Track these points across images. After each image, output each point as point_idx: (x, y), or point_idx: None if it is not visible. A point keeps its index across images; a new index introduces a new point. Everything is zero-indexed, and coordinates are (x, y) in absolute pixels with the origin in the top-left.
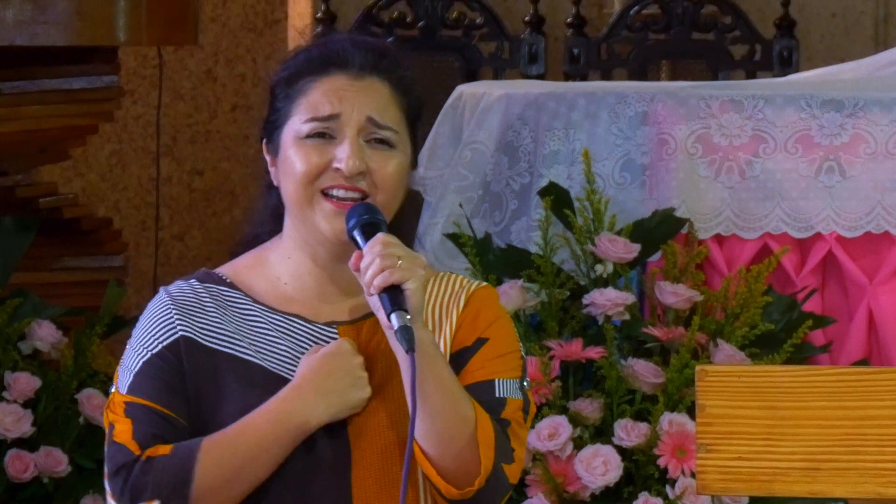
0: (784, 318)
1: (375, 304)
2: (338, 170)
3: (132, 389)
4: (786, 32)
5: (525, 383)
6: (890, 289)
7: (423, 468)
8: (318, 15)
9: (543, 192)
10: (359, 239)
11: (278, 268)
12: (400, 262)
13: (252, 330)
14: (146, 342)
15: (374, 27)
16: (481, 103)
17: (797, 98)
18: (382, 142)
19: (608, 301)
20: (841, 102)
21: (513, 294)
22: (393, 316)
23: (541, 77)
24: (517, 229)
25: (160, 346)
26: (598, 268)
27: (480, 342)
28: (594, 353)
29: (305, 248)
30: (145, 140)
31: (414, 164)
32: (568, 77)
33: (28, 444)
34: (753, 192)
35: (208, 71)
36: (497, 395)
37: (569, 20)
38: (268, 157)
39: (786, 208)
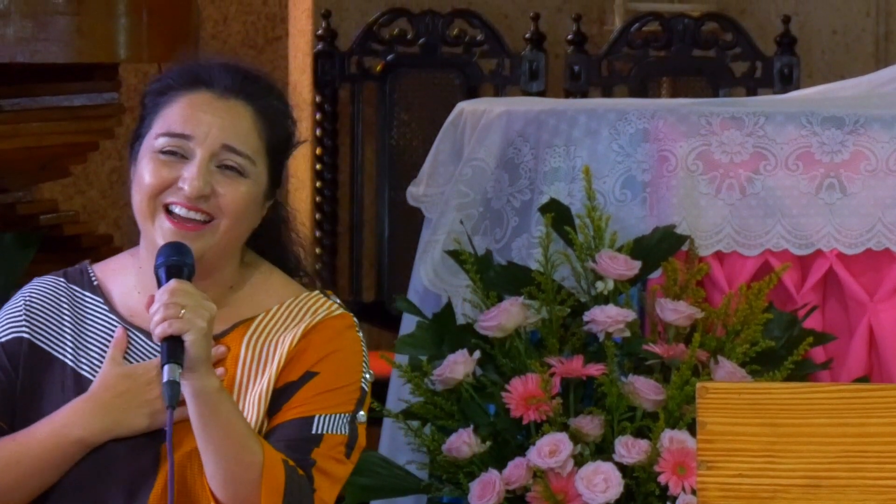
0: (785, 335)
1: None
2: (182, 189)
3: None
4: (786, 49)
5: (359, 416)
6: (890, 306)
7: None
8: (319, 32)
9: (544, 209)
10: (161, 280)
11: (134, 277)
12: (183, 311)
13: (96, 340)
14: None
15: (374, 44)
16: (482, 120)
17: (798, 115)
18: (233, 168)
19: (609, 318)
20: (842, 119)
21: (513, 311)
22: (165, 368)
23: (541, 94)
24: (518, 246)
25: None
26: (599, 285)
27: (308, 376)
28: (595, 370)
29: (151, 258)
30: None
31: (269, 196)
32: (568, 94)
33: None
34: (754, 209)
35: None
36: (314, 431)
37: (569, 37)
38: (129, 166)
39: (786, 225)
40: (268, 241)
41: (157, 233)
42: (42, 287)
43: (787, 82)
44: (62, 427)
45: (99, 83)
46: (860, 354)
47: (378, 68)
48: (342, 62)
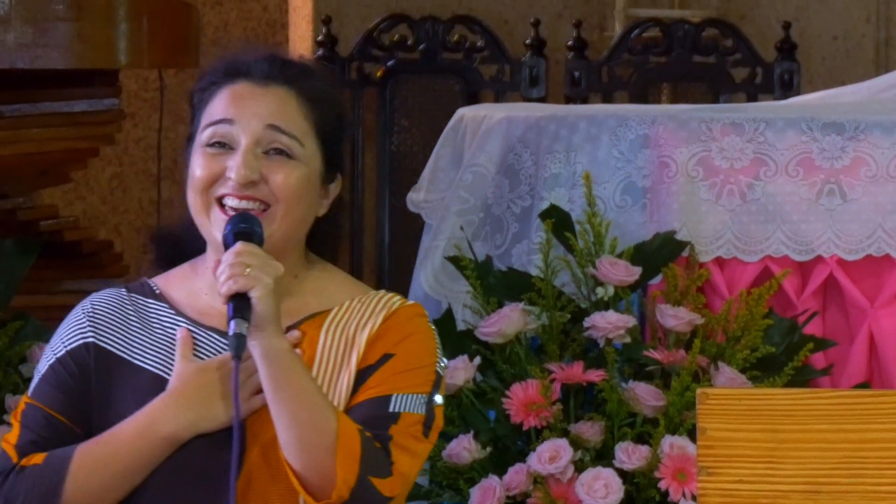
0: (785, 341)
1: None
2: (229, 178)
3: (34, 392)
4: (787, 55)
5: (436, 398)
6: (891, 312)
7: (290, 478)
8: (319, 38)
9: (544, 215)
10: (228, 245)
11: (202, 279)
12: (248, 269)
13: (165, 341)
14: (55, 346)
15: (374, 50)
16: (482, 126)
17: (798, 121)
18: (281, 152)
19: (609, 324)
20: (842, 125)
21: (514, 317)
22: (231, 322)
23: (542, 100)
24: (518, 252)
25: (65, 351)
26: (599, 291)
27: (385, 358)
28: (595, 376)
29: (214, 257)
30: (146, 163)
31: (329, 178)
32: (569, 100)
33: None
34: (754, 214)
35: None
36: (391, 409)
37: (570, 43)
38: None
39: (787, 231)
40: (327, 243)
41: (214, 227)
42: (103, 297)
43: (788, 88)
44: (150, 425)
45: (99, 89)
46: (860, 360)
47: (378, 74)
48: (342, 68)
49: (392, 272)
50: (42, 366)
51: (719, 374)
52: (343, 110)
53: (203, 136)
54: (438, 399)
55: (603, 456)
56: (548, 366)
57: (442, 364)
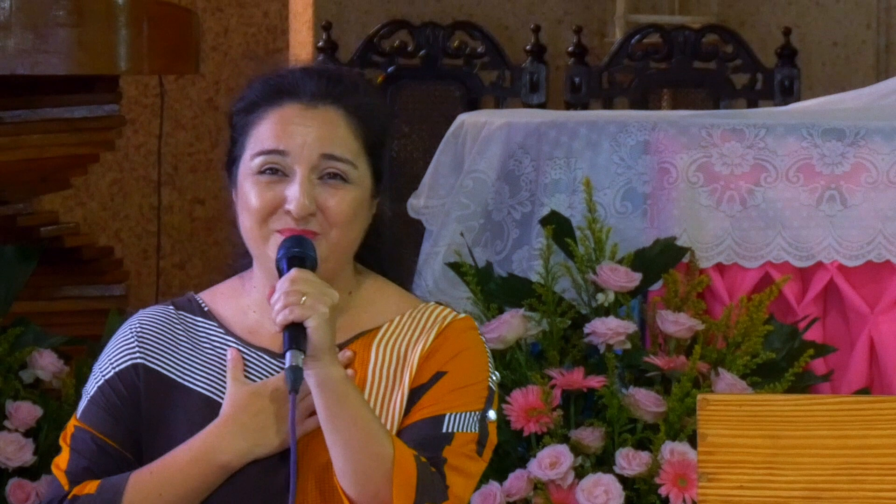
0: (785, 347)
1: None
2: (289, 211)
3: (83, 415)
4: (787, 61)
5: (489, 414)
6: (891, 318)
7: None
8: (320, 44)
9: (545, 221)
10: (282, 270)
11: (249, 297)
12: (304, 298)
13: (215, 362)
14: (103, 367)
15: (375, 56)
16: (482, 132)
17: (798, 127)
18: (336, 176)
19: (609, 330)
20: (842, 131)
21: (514, 323)
22: (288, 354)
23: (542, 106)
24: (518, 258)
25: (113, 372)
26: (600, 297)
27: (438, 376)
28: (595, 381)
29: (268, 282)
30: (146, 169)
31: (376, 193)
32: (569, 106)
33: (29, 472)
34: (755, 220)
35: (209, 100)
36: (444, 430)
37: (570, 49)
38: (230, 190)
39: (787, 237)
40: (371, 252)
41: (272, 252)
42: (150, 315)
43: (788, 94)
44: (206, 453)
45: (99, 95)
46: (861, 366)
47: (379, 80)
48: None
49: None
50: (90, 386)
51: (720, 380)
52: (388, 122)
53: (254, 163)
54: (492, 415)
55: (603, 462)
56: (548, 372)
57: (494, 378)
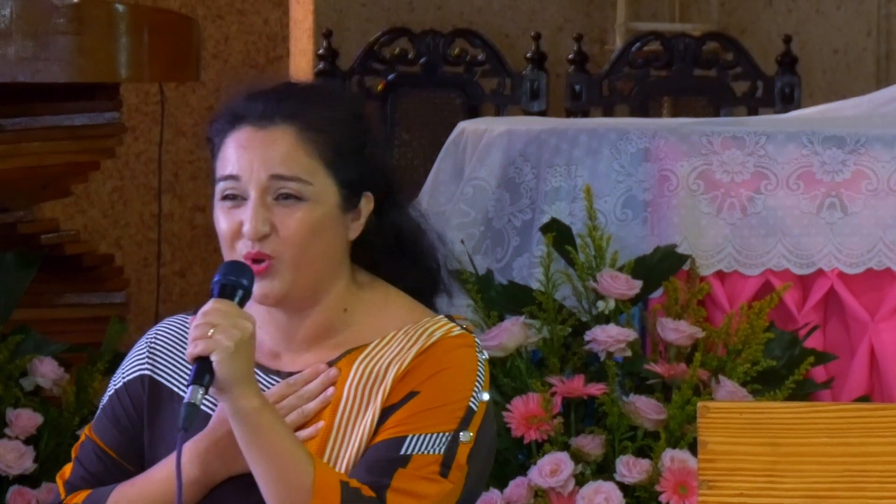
0: (786, 355)
1: None
2: (244, 234)
3: (93, 424)
4: (787, 69)
5: (461, 436)
6: (892, 325)
7: None
8: (320, 51)
9: (545, 229)
10: (212, 297)
11: (252, 310)
12: (212, 331)
13: None
14: (116, 377)
15: (375, 63)
16: (483, 140)
17: (799, 134)
18: (289, 196)
19: (610, 337)
20: (843, 139)
21: (515, 331)
22: (189, 388)
23: (542, 113)
24: (519, 266)
25: (122, 383)
26: (600, 304)
27: (410, 396)
28: (596, 389)
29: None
30: (147, 176)
31: (348, 205)
32: (570, 113)
33: (30, 480)
34: (755, 228)
35: (210, 107)
36: (402, 452)
37: (570, 57)
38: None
39: (787, 245)
40: (379, 256)
41: None
42: (169, 325)
43: (789, 101)
44: (182, 468)
45: (100, 102)
46: (861, 374)
47: (379, 88)
48: (343, 81)
49: None
50: (104, 396)
51: (720, 387)
52: (355, 129)
53: (218, 188)
54: (465, 436)
55: (604, 469)
56: (549, 379)
57: (480, 398)
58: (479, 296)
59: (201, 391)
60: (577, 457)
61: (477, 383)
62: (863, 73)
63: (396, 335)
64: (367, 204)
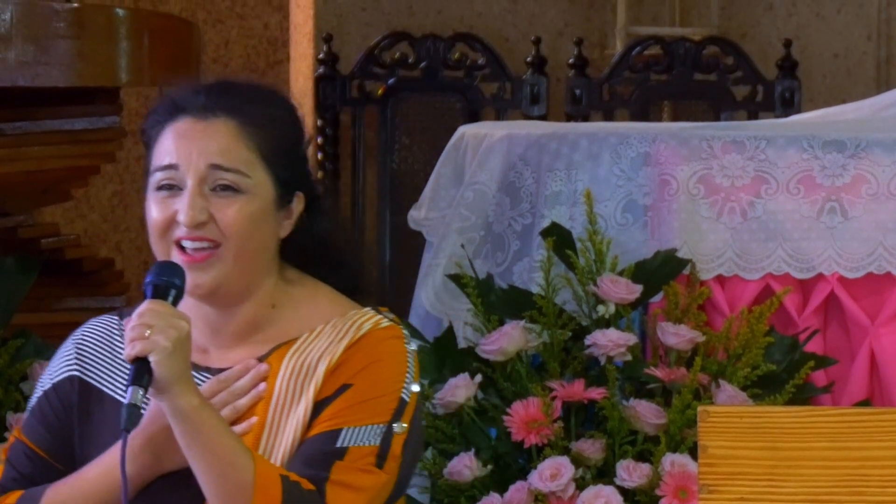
0: (786, 359)
1: None
2: (180, 221)
3: (22, 425)
4: (788, 73)
5: (395, 427)
6: (892, 330)
7: None
8: (321, 56)
9: (545, 233)
10: (146, 298)
11: (180, 306)
12: (148, 332)
13: None
14: (44, 379)
15: (375, 68)
16: (483, 144)
17: (799, 139)
18: (227, 188)
19: (610, 342)
20: (843, 143)
21: (515, 335)
22: (129, 389)
23: (543, 118)
24: (519, 270)
25: (51, 384)
26: (600, 308)
27: (343, 389)
28: (596, 393)
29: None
30: None
31: (282, 204)
32: (570, 118)
33: None
34: (755, 232)
35: None
36: (339, 444)
37: (571, 61)
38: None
39: (788, 249)
40: (308, 255)
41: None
42: (94, 326)
43: (789, 106)
44: (113, 467)
45: (100, 107)
46: (861, 378)
47: (379, 92)
48: (343, 86)
49: (393, 290)
50: (33, 398)
51: (720, 391)
52: (293, 128)
53: (153, 178)
54: (398, 428)
55: (604, 474)
56: (549, 383)
57: (411, 389)
58: (479, 300)
59: (141, 391)
60: (577, 461)
61: (408, 374)
62: (863, 77)
63: (325, 328)
64: (298, 203)
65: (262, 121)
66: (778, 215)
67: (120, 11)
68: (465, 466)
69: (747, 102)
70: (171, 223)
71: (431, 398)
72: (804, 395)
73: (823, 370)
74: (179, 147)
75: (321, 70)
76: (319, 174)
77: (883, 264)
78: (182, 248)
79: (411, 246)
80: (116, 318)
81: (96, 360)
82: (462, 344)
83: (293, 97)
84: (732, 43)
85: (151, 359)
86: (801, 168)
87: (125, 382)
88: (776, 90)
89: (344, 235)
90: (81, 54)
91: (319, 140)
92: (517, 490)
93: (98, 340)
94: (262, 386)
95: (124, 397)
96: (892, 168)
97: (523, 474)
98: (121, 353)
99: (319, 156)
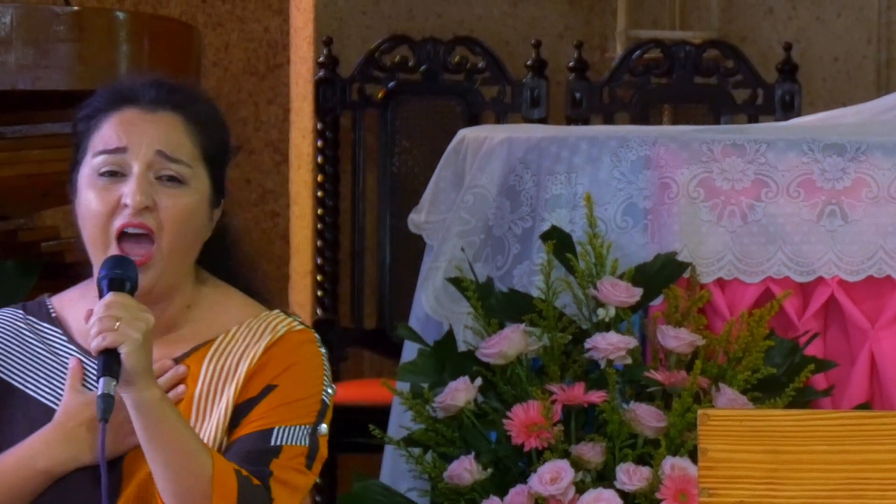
0: (786, 362)
1: None
2: (126, 205)
3: None
4: (788, 76)
5: (320, 428)
6: (892, 333)
7: None
8: (321, 59)
9: (545, 237)
10: (103, 292)
11: (93, 305)
12: (118, 324)
13: (57, 370)
14: None
15: (376, 71)
16: (483, 147)
17: (799, 142)
18: (173, 178)
19: (610, 345)
20: (843, 146)
21: (515, 338)
22: (101, 381)
23: (543, 121)
24: (519, 273)
25: None
26: (600, 312)
27: (268, 389)
28: (596, 397)
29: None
30: None
31: (213, 204)
32: (570, 121)
33: None
34: (755, 236)
35: None
36: (273, 443)
37: (571, 64)
38: (71, 200)
39: (788, 252)
40: (217, 261)
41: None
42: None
43: (789, 109)
44: (28, 458)
45: None
46: (861, 381)
47: (379, 95)
48: (343, 89)
49: (393, 293)
50: None
51: (720, 395)
52: (226, 137)
53: (94, 164)
54: (323, 429)
55: (604, 477)
56: (549, 387)
57: (329, 391)
58: (479, 303)
59: (114, 382)
60: (577, 464)
61: (325, 378)
62: (863, 80)
63: (240, 329)
64: (219, 211)
65: (205, 120)
66: (778, 218)
67: (120, 15)
68: (465, 470)
69: (747, 106)
70: (113, 210)
71: (431, 401)
72: (804, 399)
73: (823, 374)
74: (127, 132)
75: (321, 73)
76: (319, 177)
77: (883, 268)
78: (120, 241)
79: (411, 249)
80: (20, 311)
81: (6, 354)
82: (462, 347)
83: (293, 100)
84: (732, 46)
85: (122, 350)
86: (801, 171)
87: (36, 376)
88: (776, 93)
89: (248, 242)
90: (81, 57)
91: (319, 143)
92: (517, 494)
93: (5, 334)
94: (182, 388)
95: (35, 392)
96: (893, 171)
97: (523, 478)
98: (31, 348)
99: (319, 159)
